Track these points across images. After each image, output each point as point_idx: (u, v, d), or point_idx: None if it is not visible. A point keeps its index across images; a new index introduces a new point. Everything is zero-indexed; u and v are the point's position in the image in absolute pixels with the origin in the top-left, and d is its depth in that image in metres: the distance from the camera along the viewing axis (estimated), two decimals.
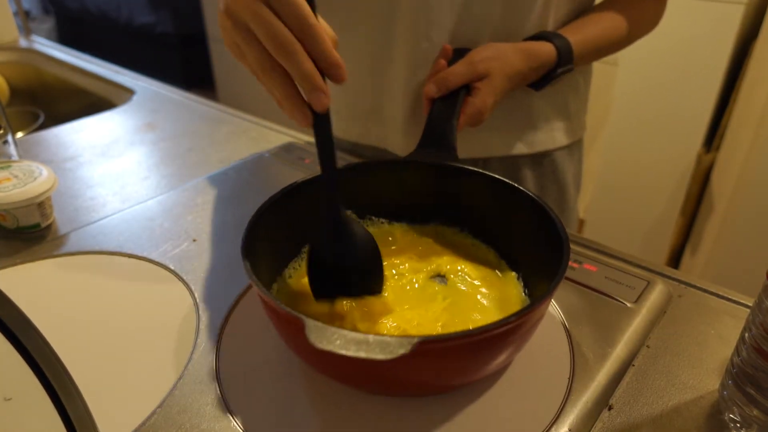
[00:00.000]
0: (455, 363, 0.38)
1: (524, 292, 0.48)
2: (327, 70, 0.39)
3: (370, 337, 0.32)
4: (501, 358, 0.40)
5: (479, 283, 0.49)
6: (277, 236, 0.49)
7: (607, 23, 0.67)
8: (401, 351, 0.31)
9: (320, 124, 0.41)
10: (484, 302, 0.47)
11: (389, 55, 0.68)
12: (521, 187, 0.49)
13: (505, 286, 0.49)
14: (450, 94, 0.59)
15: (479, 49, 0.61)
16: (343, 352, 0.31)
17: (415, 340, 0.31)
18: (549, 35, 0.63)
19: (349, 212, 0.45)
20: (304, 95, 0.40)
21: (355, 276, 0.46)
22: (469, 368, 0.39)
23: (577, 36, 0.64)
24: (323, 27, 0.40)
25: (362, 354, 0.31)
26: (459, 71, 0.59)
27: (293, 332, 0.38)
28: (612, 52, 0.69)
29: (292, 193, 0.49)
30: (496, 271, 0.50)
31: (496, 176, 0.50)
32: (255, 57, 0.40)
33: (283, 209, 0.49)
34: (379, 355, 0.30)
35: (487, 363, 0.39)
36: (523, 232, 0.49)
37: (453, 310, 0.45)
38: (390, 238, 0.54)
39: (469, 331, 0.35)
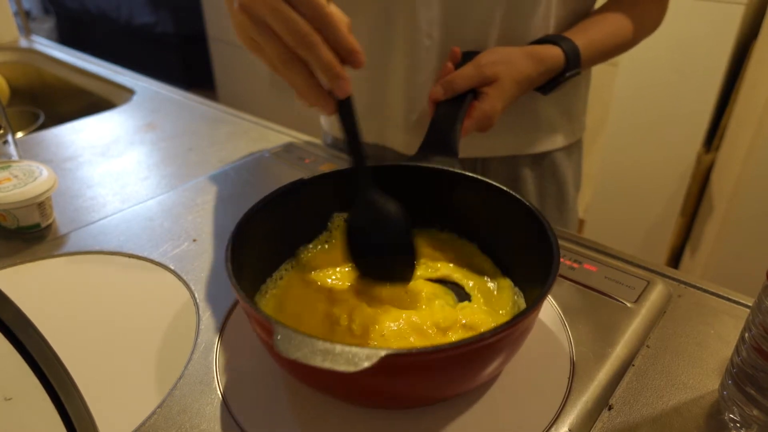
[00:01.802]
0: (427, 378, 0.36)
1: (519, 298, 0.48)
2: (346, 56, 0.40)
3: (337, 348, 0.31)
4: (480, 374, 0.39)
5: (474, 293, 0.48)
6: (274, 236, 0.48)
7: (611, 25, 0.66)
8: (365, 364, 0.30)
9: (344, 110, 0.43)
10: (478, 313, 0.45)
11: (389, 52, 0.68)
12: (519, 196, 0.47)
13: (499, 297, 0.48)
14: (456, 97, 0.59)
15: (487, 52, 0.60)
16: (308, 361, 0.30)
17: (382, 353, 0.30)
18: (556, 39, 0.62)
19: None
20: (325, 84, 0.41)
21: (388, 253, 0.48)
22: (447, 383, 0.38)
23: (584, 39, 0.63)
24: (337, 13, 0.41)
25: (327, 365, 0.30)
26: (466, 74, 0.58)
27: (267, 338, 0.37)
28: (617, 54, 0.69)
29: (283, 195, 0.49)
30: (489, 280, 0.50)
31: (494, 183, 0.49)
32: (274, 50, 0.40)
33: (273, 213, 0.48)
34: (343, 367, 0.30)
35: (467, 378, 0.38)
36: (518, 240, 0.48)
37: (446, 320, 0.44)
38: None
39: (438, 346, 0.33)
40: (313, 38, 0.39)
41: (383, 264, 0.49)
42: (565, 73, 0.62)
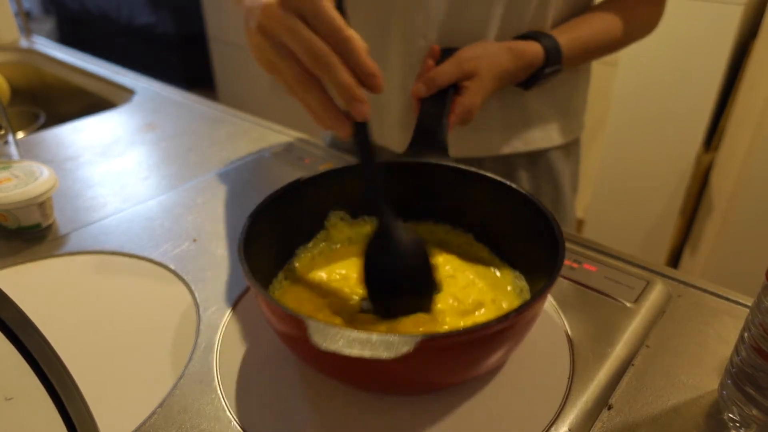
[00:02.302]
0: (458, 359, 0.38)
1: (520, 282, 0.49)
2: (365, 79, 0.40)
3: (374, 336, 0.32)
4: (502, 353, 0.40)
5: (473, 280, 0.49)
6: (274, 237, 0.49)
7: (599, 25, 0.67)
8: (405, 349, 0.31)
9: (361, 133, 0.41)
10: (481, 299, 0.47)
11: (385, 52, 0.68)
12: (513, 185, 0.49)
13: (500, 283, 0.49)
14: (439, 93, 0.59)
15: (466, 48, 0.61)
16: (348, 351, 0.31)
17: (419, 338, 0.32)
18: (537, 35, 0.63)
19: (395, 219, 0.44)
20: (342, 105, 0.40)
21: (405, 287, 0.45)
22: (471, 364, 0.39)
23: (567, 36, 0.64)
24: (356, 37, 0.41)
25: (366, 353, 0.31)
26: (447, 70, 0.59)
27: (294, 334, 0.38)
28: (606, 53, 0.69)
29: (291, 191, 0.49)
30: (491, 268, 0.51)
31: (488, 174, 0.51)
32: (291, 72, 0.40)
33: (282, 208, 0.49)
34: (384, 354, 0.31)
35: (488, 358, 0.40)
36: (519, 229, 0.49)
37: (449, 310, 0.45)
38: None
39: (471, 327, 0.35)
40: (331, 59, 0.38)
41: (402, 299, 0.45)
42: (545, 69, 0.63)
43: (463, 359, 0.38)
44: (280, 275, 0.50)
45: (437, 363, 0.38)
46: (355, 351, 0.31)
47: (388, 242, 0.44)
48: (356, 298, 0.47)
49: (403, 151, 0.56)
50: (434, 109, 0.58)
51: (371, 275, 0.44)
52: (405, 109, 0.71)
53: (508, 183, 0.50)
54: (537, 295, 0.38)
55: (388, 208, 0.44)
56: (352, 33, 0.39)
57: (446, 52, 0.63)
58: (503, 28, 0.65)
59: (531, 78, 0.64)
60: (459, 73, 0.59)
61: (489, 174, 0.51)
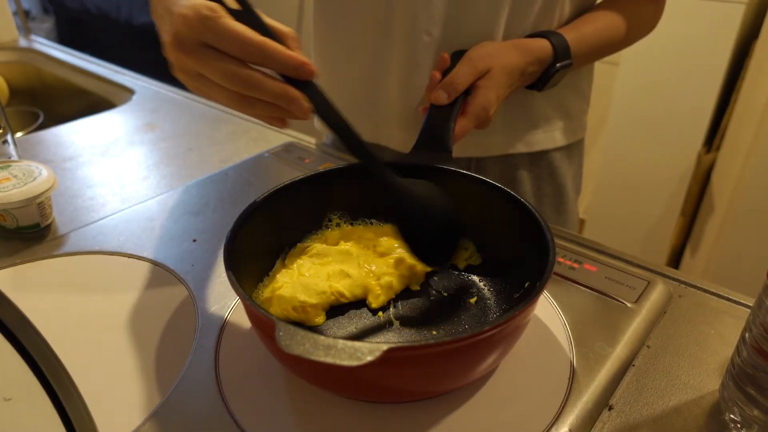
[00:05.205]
0: (430, 370, 0.37)
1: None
2: (294, 73, 0.40)
3: (339, 343, 0.31)
4: (482, 365, 0.39)
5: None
6: (265, 237, 0.49)
7: (604, 22, 0.67)
8: (368, 358, 0.30)
9: (322, 109, 0.42)
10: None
11: (387, 49, 0.68)
12: (512, 192, 0.48)
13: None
14: None
15: (475, 48, 0.61)
16: (311, 356, 0.30)
17: (384, 347, 0.31)
18: (544, 33, 0.63)
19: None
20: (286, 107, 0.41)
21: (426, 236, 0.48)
22: (447, 375, 0.38)
23: (573, 33, 0.64)
24: (278, 29, 0.41)
25: (329, 360, 0.30)
26: (463, 72, 0.58)
27: (267, 334, 0.38)
28: (610, 52, 0.69)
29: (279, 194, 0.50)
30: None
31: (487, 180, 0.50)
32: (224, 97, 0.41)
33: (270, 211, 0.49)
34: (346, 362, 0.30)
35: (466, 371, 0.39)
36: (514, 236, 0.48)
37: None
38: (373, 235, 0.54)
39: (441, 340, 0.34)
40: (252, 78, 0.39)
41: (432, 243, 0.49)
42: (555, 64, 0.63)
43: (436, 370, 0.37)
44: (272, 273, 0.50)
45: (408, 373, 0.37)
46: (319, 356, 0.30)
47: (408, 202, 0.47)
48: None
49: (405, 149, 0.56)
50: (443, 112, 0.58)
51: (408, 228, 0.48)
52: (404, 106, 0.71)
53: (507, 190, 0.49)
54: (512, 312, 0.36)
55: (387, 167, 0.46)
56: (260, 37, 0.38)
57: (456, 55, 0.62)
58: (509, 24, 0.65)
59: (543, 76, 0.64)
60: (475, 72, 0.59)
61: (488, 180, 0.50)
